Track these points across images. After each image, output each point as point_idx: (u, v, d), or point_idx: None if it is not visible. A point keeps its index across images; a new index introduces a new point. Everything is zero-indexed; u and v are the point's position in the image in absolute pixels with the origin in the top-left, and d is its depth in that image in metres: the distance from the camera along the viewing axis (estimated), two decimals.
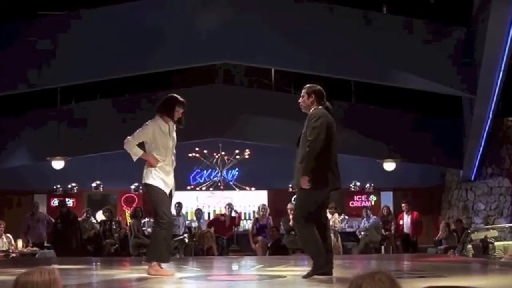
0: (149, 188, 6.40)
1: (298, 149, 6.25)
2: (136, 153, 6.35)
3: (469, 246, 10.82)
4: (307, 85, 6.42)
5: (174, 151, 6.61)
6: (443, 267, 8.05)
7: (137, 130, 6.39)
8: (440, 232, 14.58)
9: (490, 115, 12.78)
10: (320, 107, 6.28)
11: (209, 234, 11.21)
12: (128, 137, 6.36)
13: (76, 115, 14.79)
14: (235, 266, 8.80)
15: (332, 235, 13.37)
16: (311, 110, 6.28)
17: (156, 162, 6.32)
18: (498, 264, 8.92)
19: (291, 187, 13.46)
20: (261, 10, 12.39)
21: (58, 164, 14.42)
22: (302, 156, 6.09)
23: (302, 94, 6.40)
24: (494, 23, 10.31)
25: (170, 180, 6.47)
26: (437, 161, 15.48)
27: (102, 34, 12.20)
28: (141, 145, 6.44)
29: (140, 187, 13.23)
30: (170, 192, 6.50)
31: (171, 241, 6.57)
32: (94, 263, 9.65)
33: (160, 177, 6.35)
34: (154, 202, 6.40)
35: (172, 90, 14.08)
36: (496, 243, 10.41)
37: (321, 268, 6.00)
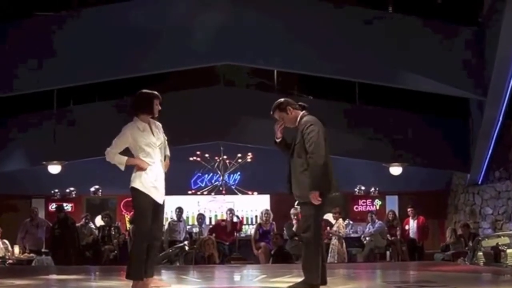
0: (135, 193, 5.82)
1: (292, 159, 5.99)
2: (120, 162, 5.83)
3: (480, 253, 10.51)
4: (273, 107, 6.19)
5: (169, 153, 6.14)
6: (454, 277, 7.85)
7: (115, 139, 5.88)
8: (447, 238, 14.32)
9: (501, 117, 12.59)
10: (301, 112, 6.03)
11: (210, 241, 10.99)
12: (108, 148, 5.86)
13: (73, 118, 14.53)
14: (237, 277, 8.56)
15: (336, 240, 13.22)
16: (299, 119, 6.01)
17: (145, 164, 5.80)
18: (510, 274, 8.61)
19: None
20: (263, 10, 12.14)
21: (54, 168, 14.15)
22: (302, 167, 5.83)
23: (278, 117, 6.15)
24: (508, 25, 10.06)
25: (161, 184, 5.90)
26: (444, 165, 15.21)
27: (101, 35, 12.00)
28: (128, 153, 5.93)
29: None
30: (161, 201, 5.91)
31: (145, 256, 5.95)
32: (92, 273, 9.39)
33: (150, 181, 5.79)
34: (137, 209, 5.92)
35: (172, 92, 13.88)
36: (508, 251, 10.09)
37: (311, 286, 5.75)
